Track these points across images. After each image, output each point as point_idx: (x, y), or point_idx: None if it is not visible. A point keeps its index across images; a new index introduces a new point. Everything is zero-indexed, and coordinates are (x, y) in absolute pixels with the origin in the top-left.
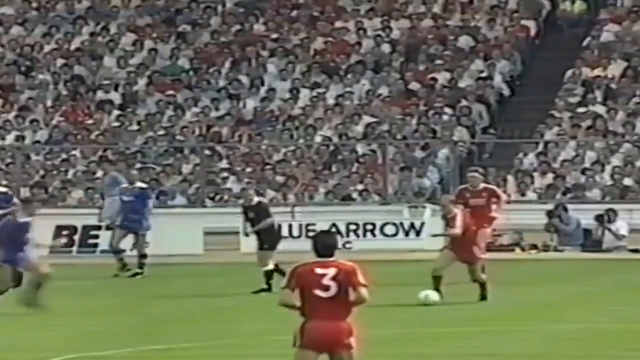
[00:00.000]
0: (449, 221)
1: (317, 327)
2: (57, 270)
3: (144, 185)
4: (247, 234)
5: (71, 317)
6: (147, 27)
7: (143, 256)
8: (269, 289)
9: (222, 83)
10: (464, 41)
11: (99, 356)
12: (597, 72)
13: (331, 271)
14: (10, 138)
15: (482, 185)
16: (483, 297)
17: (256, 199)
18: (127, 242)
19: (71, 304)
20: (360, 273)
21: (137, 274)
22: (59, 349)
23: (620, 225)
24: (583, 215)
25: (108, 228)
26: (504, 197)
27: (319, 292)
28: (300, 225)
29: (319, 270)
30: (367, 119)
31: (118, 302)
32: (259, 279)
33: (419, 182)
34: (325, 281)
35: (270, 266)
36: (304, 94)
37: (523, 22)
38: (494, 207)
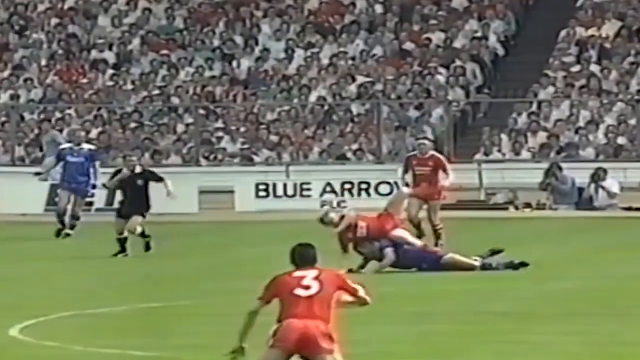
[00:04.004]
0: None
1: (289, 324)
2: (53, 229)
3: (91, 146)
4: (105, 186)
5: (66, 274)
6: None
7: (77, 218)
8: (124, 251)
9: (216, 43)
10: (458, 1)
11: (93, 314)
12: (592, 31)
13: (312, 273)
14: (4, 97)
15: (430, 152)
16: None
17: (139, 167)
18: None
19: (66, 262)
20: (347, 278)
21: (68, 234)
22: (54, 307)
23: (611, 184)
24: (577, 174)
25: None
26: (449, 167)
27: (299, 292)
28: (295, 185)
29: (297, 274)
30: (361, 79)
31: (112, 260)
32: (252, 237)
33: (413, 141)
34: (306, 282)
35: (139, 230)
36: (298, 54)
37: None
38: (441, 176)
